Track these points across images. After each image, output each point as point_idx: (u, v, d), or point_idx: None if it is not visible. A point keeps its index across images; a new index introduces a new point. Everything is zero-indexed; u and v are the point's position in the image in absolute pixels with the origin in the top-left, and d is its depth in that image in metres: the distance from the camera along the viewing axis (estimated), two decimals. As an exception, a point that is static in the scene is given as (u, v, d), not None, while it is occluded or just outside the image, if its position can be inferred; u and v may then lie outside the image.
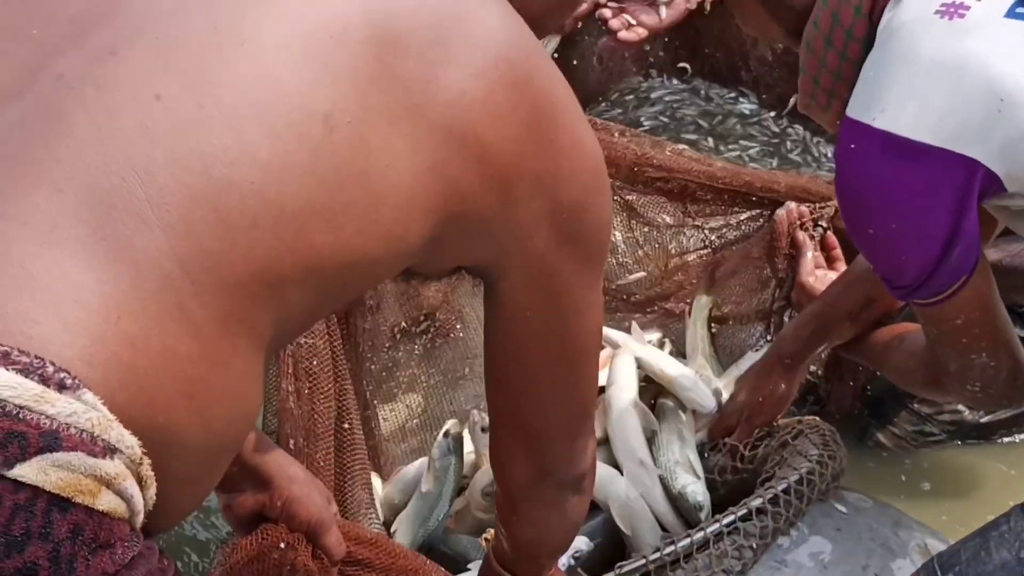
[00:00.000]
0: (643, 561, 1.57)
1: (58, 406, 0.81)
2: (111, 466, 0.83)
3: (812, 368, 2.25)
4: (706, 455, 1.94)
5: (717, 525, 1.59)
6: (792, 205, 2.08)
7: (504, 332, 1.22)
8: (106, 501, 0.83)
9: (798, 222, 2.07)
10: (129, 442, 0.85)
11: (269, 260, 0.94)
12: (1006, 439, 2.42)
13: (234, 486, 1.36)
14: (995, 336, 1.47)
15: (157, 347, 0.88)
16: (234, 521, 1.41)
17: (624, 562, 1.59)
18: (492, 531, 1.60)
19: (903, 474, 2.39)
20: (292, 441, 1.81)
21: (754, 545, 1.58)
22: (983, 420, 2.37)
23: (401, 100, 1.01)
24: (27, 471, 0.80)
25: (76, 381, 0.83)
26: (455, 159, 1.04)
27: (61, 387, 0.82)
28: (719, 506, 1.71)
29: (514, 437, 1.33)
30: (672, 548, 1.56)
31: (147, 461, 0.87)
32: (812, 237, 2.05)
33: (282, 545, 1.36)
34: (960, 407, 2.32)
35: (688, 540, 1.57)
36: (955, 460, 2.42)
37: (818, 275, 2.02)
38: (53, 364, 0.82)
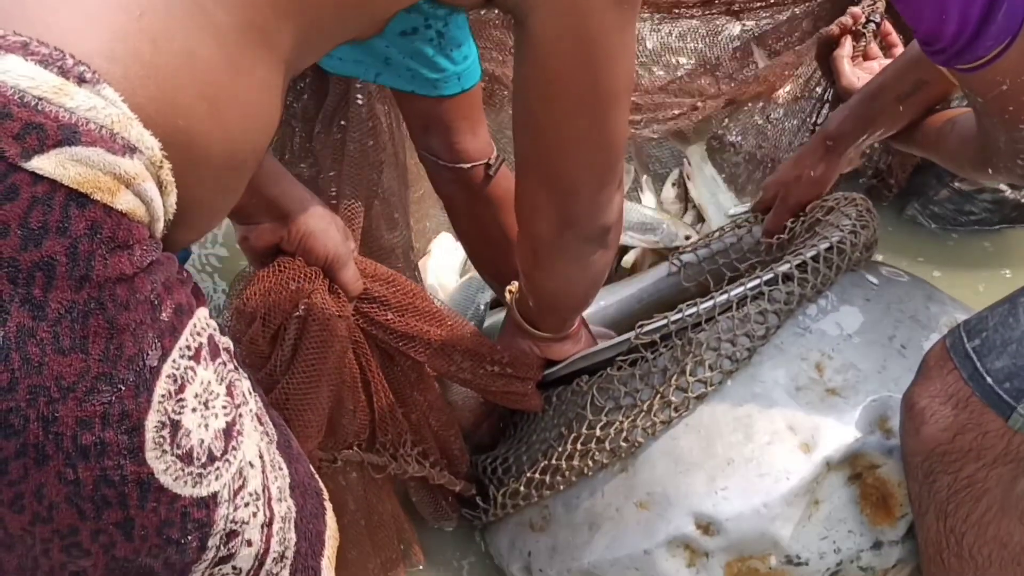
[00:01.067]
0: (664, 321, 1.59)
1: (77, 99, 0.83)
2: (131, 165, 0.85)
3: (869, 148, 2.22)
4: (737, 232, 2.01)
5: (741, 289, 1.60)
6: (843, 18, 2.02)
7: (532, 72, 1.23)
8: (125, 201, 0.85)
9: (853, 27, 2.01)
10: (149, 143, 0.87)
11: None
12: (1048, 221, 2.44)
13: (252, 218, 1.39)
14: None
15: (178, 48, 0.89)
16: (251, 253, 1.44)
17: (645, 322, 1.62)
18: (516, 284, 1.63)
19: (940, 252, 2.41)
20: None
21: (779, 311, 1.59)
22: (1025, 200, 2.36)
23: None
24: (45, 163, 0.81)
25: (96, 75, 0.84)
26: None
27: (80, 80, 0.83)
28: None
29: (539, 185, 1.34)
30: (694, 310, 1.59)
31: (168, 165, 0.89)
32: (863, 35, 2.00)
33: (298, 278, 1.40)
34: (1002, 186, 2.31)
35: (711, 303, 1.59)
36: (994, 240, 2.43)
37: (860, 74, 1.97)
38: (73, 57, 0.83)
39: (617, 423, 1.60)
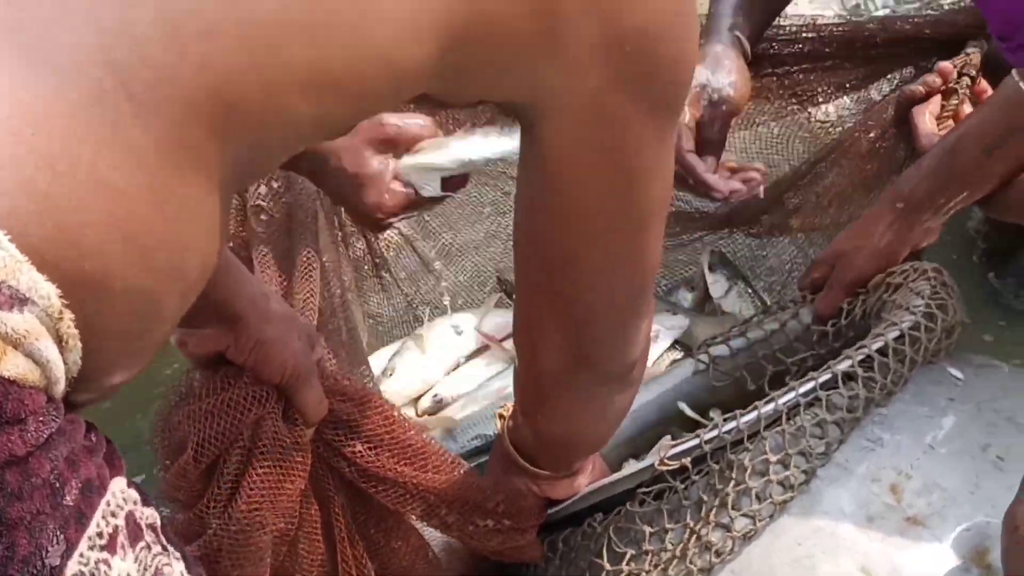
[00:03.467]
0: (696, 441, 1.52)
1: None
2: (19, 321, 0.81)
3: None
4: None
5: (792, 395, 1.53)
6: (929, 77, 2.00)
7: (544, 188, 1.19)
8: (13, 366, 0.82)
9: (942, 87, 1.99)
10: (44, 291, 0.83)
11: (228, 77, 0.92)
12: None
13: (192, 320, 1.31)
14: None
15: (84, 174, 0.86)
16: (190, 359, 1.40)
17: (672, 442, 1.55)
18: (511, 405, 1.57)
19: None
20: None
21: (841, 420, 1.53)
22: None
23: None
24: None
25: None
26: None
27: None
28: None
29: (548, 313, 1.30)
30: (734, 424, 1.52)
31: (68, 315, 0.85)
32: (954, 91, 1.98)
33: (245, 401, 1.35)
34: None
35: (755, 414, 1.51)
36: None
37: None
38: None
39: (643, 574, 1.53)
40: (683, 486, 1.55)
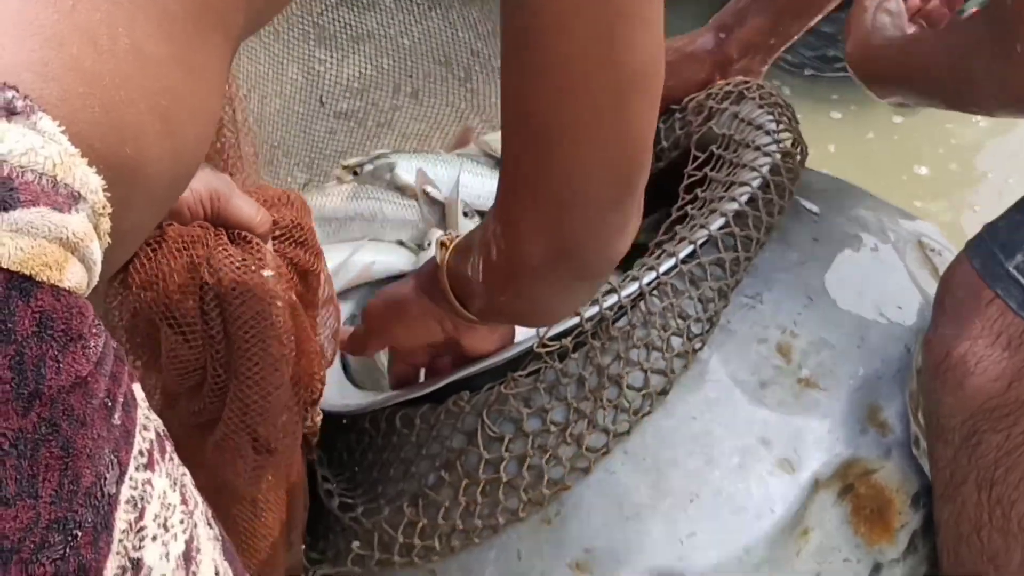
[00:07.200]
0: (576, 320, 1.45)
1: (9, 141, 0.72)
2: (78, 222, 0.77)
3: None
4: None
5: (673, 260, 1.47)
6: None
7: (529, 46, 1.11)
8: (73, 274, 0.77)
9: None
10: (94, 184, 0.78)
11: None
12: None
13: None
14: None
15: (125, 47, 0.83)
16: None
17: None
18: (454, 235, 1.45)
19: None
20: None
21: (723, 287, 1.49)
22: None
23: None
24: None
25: (29, 103, 0.74)
26: None
27: (10, 113, 0.73)
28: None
29: (532, 199, 1.22)
30: (615, 299, 1.45)
31: (108, 210, 0.80)
32: None
33: (183, 242, 1.26)
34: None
35: (635, 285, 1.45)
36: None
37: None
38: None
39: (528, 458, 1.44)
40: (560, 364, 1.46)
